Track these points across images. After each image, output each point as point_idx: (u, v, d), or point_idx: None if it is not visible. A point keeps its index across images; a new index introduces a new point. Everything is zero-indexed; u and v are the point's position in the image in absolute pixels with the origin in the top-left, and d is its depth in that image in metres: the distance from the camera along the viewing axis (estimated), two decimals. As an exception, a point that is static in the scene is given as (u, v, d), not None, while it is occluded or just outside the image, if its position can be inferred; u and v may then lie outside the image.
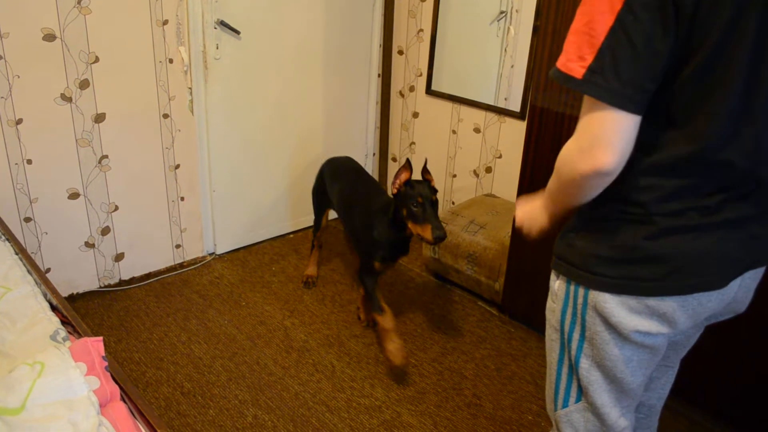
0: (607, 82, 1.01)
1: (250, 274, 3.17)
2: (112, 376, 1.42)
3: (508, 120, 3.16)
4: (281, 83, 3.25)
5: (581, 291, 1.25)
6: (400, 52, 3.63)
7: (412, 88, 3.63)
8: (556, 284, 1.33)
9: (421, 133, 3.67)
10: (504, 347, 2.68)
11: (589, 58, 1.02)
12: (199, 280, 3.09)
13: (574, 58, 1.04)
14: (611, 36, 0.99)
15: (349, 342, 2.66)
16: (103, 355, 1.41)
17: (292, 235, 3.61)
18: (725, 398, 2.17)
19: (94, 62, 2.56)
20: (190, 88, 2.89)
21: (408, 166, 2.32)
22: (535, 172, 2.50)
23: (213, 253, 3.32)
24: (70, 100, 2.55)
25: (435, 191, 2.31)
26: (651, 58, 1.00)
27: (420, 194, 2.24)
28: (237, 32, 2.94)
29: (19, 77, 2.39)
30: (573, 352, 1.32)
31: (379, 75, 3.71)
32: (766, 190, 1.15)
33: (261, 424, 2.19)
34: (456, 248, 2.95)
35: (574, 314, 1.28)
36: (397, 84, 3.72)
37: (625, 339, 1.22)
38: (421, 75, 3.54)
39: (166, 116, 2.86)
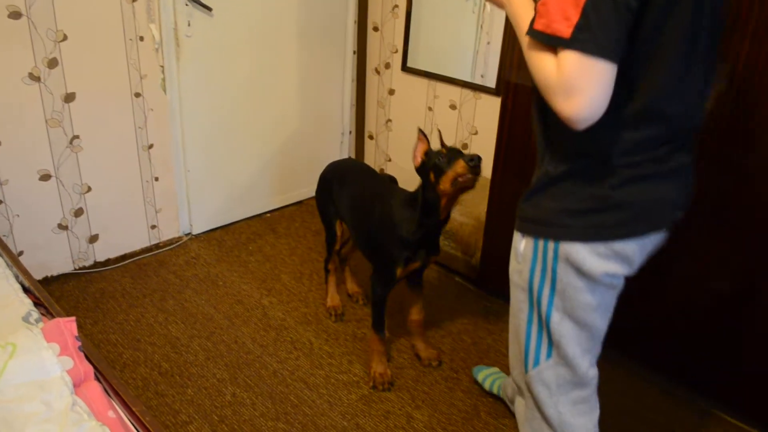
0: (595, 37, 1.10)
1: (227, 253, 3.16)
2: (86, 356, 1.42)
3: (484, 96, 3.16)
4: (255, 61, 3.22)
5: (551, 246, 1.36)
6: (375, 29, 3.60)
7: (387, 65, 3.61)
8: (522, 245, 1.42)
9: (397, 111, 3.66)
10: (480, 322, 2.71)
11: (575, 18, 1.11)
12: (175, 260, 3.07)
13: (559, 19, 1.12)
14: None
15: (327, 320, 2.67)
16: (76, 335, 1.40)
17: (268, 214, 3.59)
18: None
19: (62, 40, 2.51)
20: (161, 66, 2.85)
21: (423, 136, 2.14)
22: (510, 148, 2.51)
23: (189, 234, 3.30)
24: (38, 79, 2.50)
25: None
26: (627, 14, 1.12)
27: (443, 148, 2.07)
28: (209, 9, 2.89)
29: (-16, 56, 2.35)
30: (543, 308, 1.42)
31: (354, 52, 3.69)
32: (693, 141, 1.36)
33: (240, 401, 2.20)
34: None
35: (544, 270, 1.38)
36: (372, 61, 3.70)
37: (596, 283, 1.36)
38: (396, 52, 3.52)
39: (137, 95, 2.82)
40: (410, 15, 3.36)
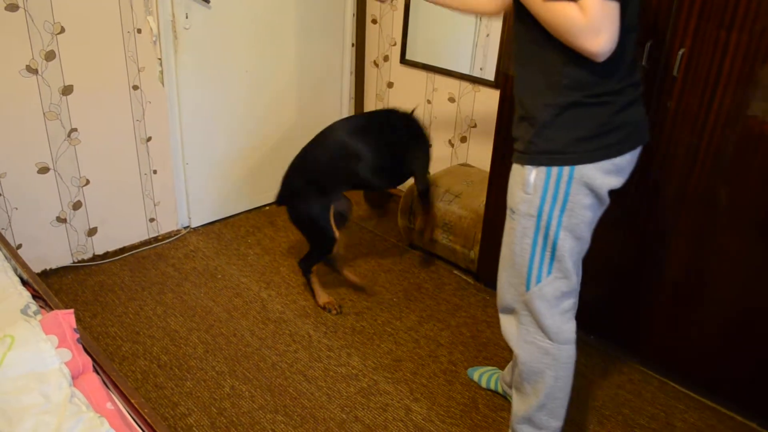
0: None
1: (226, 246, 3.16)
2: (84, 348, 1.42)
3: (483, 89, 3.15)
4: (253, 53, 3.21)
5: (566, 171, 1.55)
6: (374, 21, 3.59)
7: (386, 58, 3.60)
8: (533, 175, 1.59)
9: (396, 103, 3.65)
10: (479, 315, 2.71)
11: None
12: (174, 253, 3.07)
13: None
14: None
15: (325, 312, 2.67)
16: (75, 327, 1.40)
17: (267, 207, 3.59)
18: (692, 361, 2.22)
19: (59, 33, 2.51)
20: (159, 58, 2.85)
21: None
22: (509, 141, 2.50)
23: (188, 227, 3.30)
24: (36, 72, 2.50)
25: None
26: None
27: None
28: (207, 1, 2.88)
29: (-18, 49, 2.34)
30: (552, 229, 1.62)
31: (352, 44, 3.68)
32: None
33: (238, 394, 2.20)
34: (431, 217, 2.96)
35: (556, 194, 1.58)
36: (371, 53, 3.69)
37: (600, 199, 1.60)
38: (395, 44, 3.51)
39: (135, 88, 2.82)
40: (409, 7, 3.35)
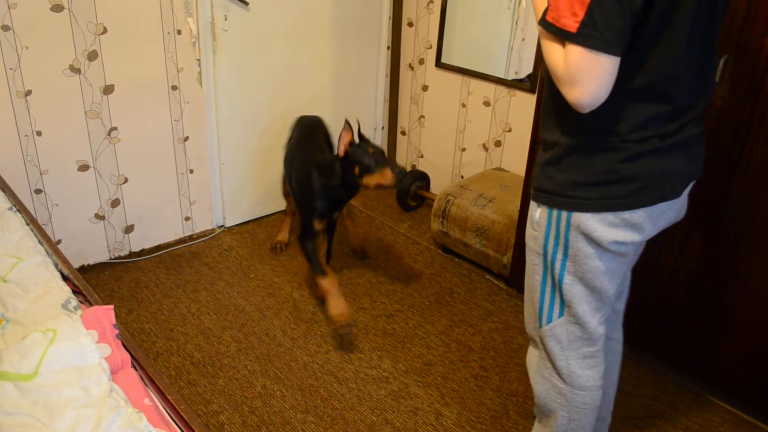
0: (599, 33, 1.19)
1: (259, 246, 3.19)
2: (122, 344, 1.44)
3: (519, 93, 3.13)
4: (289, 55, 3.24)
5: (564, 215, 1.45)
6: (410, 24, 3.60)
7: (421, 61, 3.60)
8: (538, 213, 1.52)
9: (430, 107, 3.65)
10: (511, 320, 2.69)
11: (581, 14, 1.20)
12: (208, 252, 3.11)
13: (568, 15, 1.21)
14: None
15: (357, 314, 2.68)
16: (114, 323, 1.43)
17: (300, 209, 3.61)
18: (728, 373, 2.18)
19: (102, 33, 2.56)
20: (198, 59, 2.88)
21: (349, 127, 2.38)
22: (544, 146, 2.48)
23: (222, 226, 3.33)
24: (78, 71, 2.55)
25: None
26: (631, 10, 1.20)
27: (369, 146, 2.33)
28: (245, 3, 2.92)
29: (27, 48, 2.39)
30: (557, 272, 1.52)
31: (388, 47, 3.68)
32: (701, 115, 1.45)
33: (270, 393, 2.22)
34: (464, 222, 2.95)
35: (557, 237, 1.48)
36: (406, 56, 3.69)
37: (605, 250, 1.45)
38: (431, 47, 3.51)
39: (174, 88, 2.86)
40: (445, 10, 3.34)
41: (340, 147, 2.38)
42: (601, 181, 1.39)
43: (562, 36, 1.24)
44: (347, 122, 2.37)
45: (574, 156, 1.42)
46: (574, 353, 1.60)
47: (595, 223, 1.42)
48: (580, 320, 1.55)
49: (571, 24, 1.21)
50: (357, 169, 2.33)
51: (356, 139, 2.42)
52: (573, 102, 1.27)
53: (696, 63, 1.35)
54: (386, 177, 2.28)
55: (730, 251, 2.04)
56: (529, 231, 1.58)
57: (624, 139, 1.36)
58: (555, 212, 1.47)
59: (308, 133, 2.84)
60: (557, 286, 1.54)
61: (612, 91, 1.26)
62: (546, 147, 1.50)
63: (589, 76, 1.23)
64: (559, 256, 1.51)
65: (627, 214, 1.41)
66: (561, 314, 1.58)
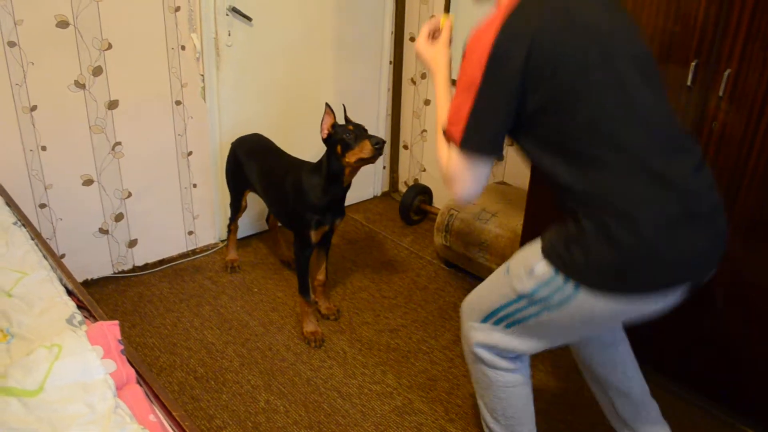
0: (474, 138, 1.41)
1: (262, 260, 3.19)
2: (127, 359, 1.44)
3: (521, 107, 3.14)
4: (293, 70, 3.25)
5: (571, 286, 1.40)
6: (412, 39, 3.61)
7: (423, 76, 3.61)
8: (540, 267, 1.45)
9: (433, 121, 3.66)
10: (515, 335, 2.68)
11: (462, 124, 1.41)
12: (211, 266, 3.11)
13: (454, 122, 1.43)
14: (473, 110, 1.38)
15: (361, 329, 2.67)
16: (119, 338, 1.42)
17: (303, 223, 3.61)
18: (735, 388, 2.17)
19: (107, 49, 2.57)
20: (202, 75, 2.90)
21: (330, 110, 2.38)
22: (547, 160, 2.48)
23: (225, 240, 3.33)
24: (83, 86, 2.56)
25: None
26: (503, 119, 1.39)
27: (350, 125, 2.35)
28: (249, 19, 2.94)
29: (33, 64, 2.41)
30: (519, 315, 1.53)
31: (390, 62, 3.70)
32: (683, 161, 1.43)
33: (273, 408, 2.21)
34: (467, 236, 2.95)
35: (546, 300, 1.45)
36: (408, 71, 3.71)
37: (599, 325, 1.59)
38: (433, 62, 3.52)
39: (178, 103, 2.87)
40: (448, 26, 3.35)
41: (323, 130, 2.38)
42: (623, 266, 1.36)
43: (452, 141, 1.44)
44: (327, 105, 2.38)
45: (594, 241, 1.36)
46: (500, 357, 1.67)
47: (603, 304, 1.40)
48: (515, 350, 1.61)
49: (455, 132, 1.42)
50: (339, 148, 2.33)
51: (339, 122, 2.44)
52: (452, 196, 1.48)
53: (638, 105, 1.36)
54: (365, 149, 2.27)
55: (734, 262, 2.04)
56: (518, 270, 1.52)
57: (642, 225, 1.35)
58: (562, 280, 1.41)
59: (274, 151, 2.86)
60: (516, 321, 1.56)
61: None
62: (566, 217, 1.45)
63: (463, 177, 1.45)
64: (538, 308, 1.48)
65: (636, 297, 1.41)
66: (499, 326, 1.61)
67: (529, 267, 1.49)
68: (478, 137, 1.41)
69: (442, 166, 1.50)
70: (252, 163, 2.81)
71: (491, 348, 1.66)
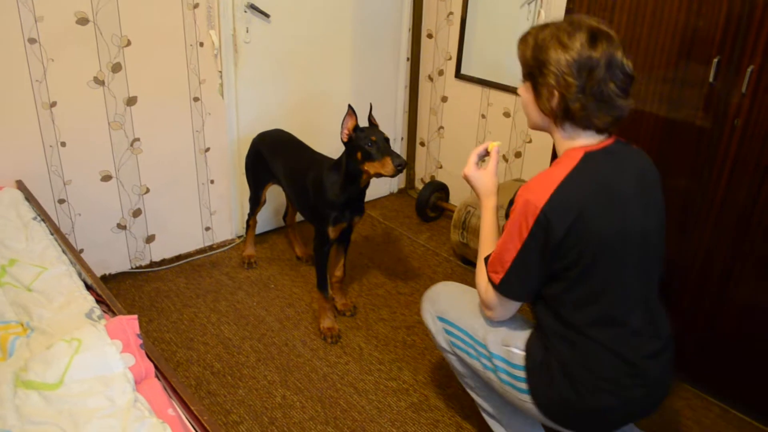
0: (511, 288, 1.59)
1: (279, 256, 3.19)
2: (146, 354, 1.44)
3: (539, 104, 3.12)
4: (310, 67, 3.25)
5: (525, 387, 1.65)
6: (430, 36, 3.60)
7: (441, 72, 3.60)
8: (516, 352, 1.66)
9: (450, 118, 3.65)
10: (532, 333, 2.66)
11: (502, 274, 1.57)
12: (228, 262, 3.12)
13: (496, 269, 1.58)
14: (514, 264, 1.53)
15: (377, 325, 2.67)
16: (138, 333, 1.43)
17: (319, 219, 3.62)
18: (756, 390, 2.14)
19: (126, 45, 2.58)
20: (220, 71, 2.91)
21: (352, 112, 2.35)
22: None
23: (242, 236, 3.34)
24: (102, 83, 2.58)
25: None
26: (539, 275, 1.54)
27: (372, 134, 2.30)
28: (267, 15, 2.94)
29: (53, 61, 2.42)
30: (470, 350, 1.77)
31: (408, 59, 3.69)
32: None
33: (289, 404, 2.22)
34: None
35: (498, 370, 1.70)
36: (426, 68, 3.70)
37: None
38: (450, 59, 3.51)
39: (196, 99, 2.88)
40: (465, 22, 3.34)
41: (343, 132, 2.36)
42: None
43: (491, 284, 1.61)
44: (350, 107, 2.35)
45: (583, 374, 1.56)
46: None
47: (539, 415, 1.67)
48: (443, 350, 1.89)
49: (496, 278, 1.59)
50: (359, 155, 2.31)
51: (362, 124, 2.39)
52: (488, 318, 1.72)
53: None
54: (386, 167, 2.25)
55: (754, 263, 2.02)
56: (497, 336, 1.71)
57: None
58: (524, 376, 1.64)
59: (297, 146, 2.85)
60: (463, 350, 1.80)
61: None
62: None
63: (498, 308, 1.66)
64: (489, 365, 1.73)
65: None
66: (452, 344, 1.83)
67: (507, 343, 1.68)
68: (515, 288, 1.58)
69: (480, 291, 1.68)
70: (276, 158, 2.80)
71: (427, 325, 1.92)
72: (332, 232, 2.49)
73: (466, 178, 1.81)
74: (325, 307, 2.60)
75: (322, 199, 2.47)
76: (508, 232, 1.53)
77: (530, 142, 3.21)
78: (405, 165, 2.24)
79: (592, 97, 1.45)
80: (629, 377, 1.54)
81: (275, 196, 3.37)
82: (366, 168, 2.31)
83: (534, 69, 1.52)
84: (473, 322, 1.76)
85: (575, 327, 1.54)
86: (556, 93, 1.48)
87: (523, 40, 1.58)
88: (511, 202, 1.57)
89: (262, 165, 2.87)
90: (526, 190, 1.49)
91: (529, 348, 1.63)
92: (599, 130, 1.54)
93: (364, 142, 2.28)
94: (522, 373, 1.63)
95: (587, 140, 1.54)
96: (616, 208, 1.49)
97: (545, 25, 1.53)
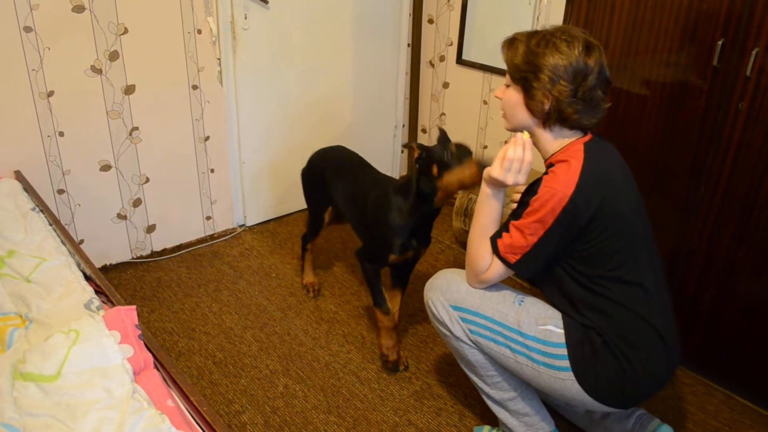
0: (527, 269, 1.66)
1: (280, 245, 3.18)
2: (145, 344, 1.43)
3: (541, 89, 3.09)
4: (310, 53, 3.22)
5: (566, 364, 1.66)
6: (431, 21, 3.57)
7: (442, 58, 3.57)
8: (554, 329, 1.68)
9: (451, 104, 3.62)
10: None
11: (519, 256, 1.63)
12: (229, 251, 3.11)
13: (510, 251, 1.65)
14: (535, 246, 1.60)
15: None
16: (136, 323, 1.42)
17: (321, 207, 3.60)
18: (759, 377, 2.12)
19: (123, 33, 2.56)
20: (218, 59, 2.88)
21: (415, 146, 2.13)
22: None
23: (243, 225, 3.33)
24: (100, 71, 2.56)
25: None
26: (551, 257, 1.64)
27: (451, 145, 2.02)
28: (265, 2, 2.91)
29: (49, 49, 2.40)
30: (496, 336, 1.75)
31: (408, 44, 3.66)
32: None
33: (292, 393, 2.21)
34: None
35: (533, 351, 1.69)
36: (427, 53, 3.67)
37: None
38: (451, 44, 3.48)
39: (195, 87, 2.86)
40: (466, 7, 3.31)
41: (413, 149, 2.12)
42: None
43: (504, 262, 1.67)
44: (410, 143, 2.17)
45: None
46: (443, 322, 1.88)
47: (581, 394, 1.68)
48: (454, 334, 1.83)
49: (511, 257, 1.65)
50: (435, 169, 2.02)
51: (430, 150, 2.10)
52: (471, 285, 1.79)
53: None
54: (470, 173, 1.92)
55: (758, 247, 2.00)
56: (529, 317, 1.71)
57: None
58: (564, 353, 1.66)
59: (350, 162, 2.61)
60: (486, 337, 1.76)
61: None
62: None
63: (494, 281, 1.75)
64: (521, 348, 1.71)
65: None
66: (470, 332, 1.79)
67: (543, 322, 1.69)
68: (528, 268, 1.65)
69: (480, 264, 1.72)
70: (336, 179, 2.53)
71: (437, 315, 1.87)
72: (393, 260, 2.24)
73: (499, 182, 1.67)
74: (387, 326, 2.29)
75: (385, 223, 2.20)
76: (533, 219, 1.58)
77: (532, 127, 3.18)
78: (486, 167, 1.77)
79: (583, 101, 1.57)
80: (655, 340, 1.62)
81: (281, 184, 3.35)
82: (444, 183, 2.00)
83: (528, 73, 1.60)
84: (501, 307, 1.75)
85: (602, 294, 1.62)
86: (550, 96, 1.58)
87: (511, 44, 1.66)
88: (530, 192, 1.62)
89: (321, 186, 2.60)
90: (554, 181, 1.57)
91: (567, 325, 1.67)
92: (584, 130, 1.67)
93: (442, 153, 2.00)
94: (562, 351, 1.64)
95: (575, 137, 1.66)
96: (619, 184, 1.62)
97: (534, 33, 1.62)
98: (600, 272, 1.61)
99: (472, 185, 1.96)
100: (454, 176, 1.98)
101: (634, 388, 1.64)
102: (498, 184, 1.69)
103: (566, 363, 1.64)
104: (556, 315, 1.70)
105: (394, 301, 2.40)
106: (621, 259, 1.61)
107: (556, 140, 1.67)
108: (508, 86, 1.69)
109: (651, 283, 1.64)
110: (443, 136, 2.11)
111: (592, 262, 1.62)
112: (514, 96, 1.67)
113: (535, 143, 1.70)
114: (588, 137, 1.66)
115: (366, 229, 2.36)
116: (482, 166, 1.84)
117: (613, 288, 1.62)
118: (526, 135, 1.65)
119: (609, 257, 1.60)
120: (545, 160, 1.71)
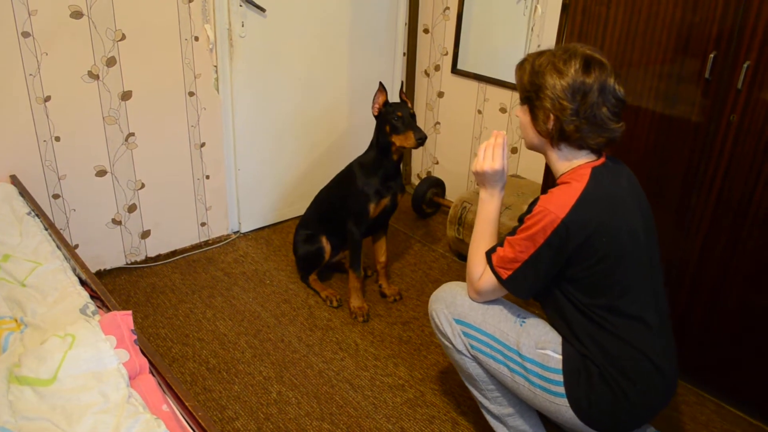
0: (518, 285, 1.66)
1: (275, 252, 3.19)
2: (140, 349, 1.44)
3: (535, 100, 3.11)
4: (306, 61, 3.24)
5: (561, 390, 1.66)
6: (426, 31, 3.59)
7: (437, 67, 3.59)
8: (552, 355, 1.67)
9: (446, 113, 3.64)
10: (528, 328, 2.66)
11: (510, 271, 1.65)
12: (224, 257, 3.11)
13: (501, 264, 1.67)
14: (525, 264, 1.61)
15: (373, 321, 2.67)
16: (132, 328, 1.43)
17: (315, 215, 3.61)
18: (751, 387, 2.14)
19: (120, 39, 2.57)
20: (215, 66, 2.89)
21: (383, 89, 2.57)
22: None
23: (238, 232, 3.34)
24: (97, 77, 2.56)
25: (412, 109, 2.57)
26: (545, 278, 1.64)
27: (399, 110, 2.50)
28: (262, 10, 2.93)
29: (47, 54, 2.41)
30: (496, 355, 1.75)
31: (404, 54, 3.68)
32: None
33: (285, 400, 2.21)
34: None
35: (531, 373, 1.70)
36: (422, 63, 3.69)
37: None
38: (446, 54, 3.50)
39: (191, 94, 2.87)
40: (461, 17, 3.34)
41: (374, 106, 2.56)
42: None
43: (496, 276, 1.68)
44: (381, 84, 2.57)
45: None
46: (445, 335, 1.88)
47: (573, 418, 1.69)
48: (456, 346, 1.83)
49: (504, 273, 1.66)
50: (387, 128, 2.51)
51: (392, 100, 2.60)
52: (470, 295, 1.81)
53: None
54: (409, 140, 2.46)
55: (750, 257, 2.02)
56: (529, 339, 1.71)
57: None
58: (561, 379, 1.65)
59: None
60: (486, 354, 1.77)
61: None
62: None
63: (489, 296, 1.77)
64: (519, 369, 1.71)
65: None
66: (471, 347, 1.80)
67: (542, 346, 1.69)
68: (520, 285, 1.65)
69: (474, 277, 1.76)
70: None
71: (440, 327, 1.87)
72: (373, 209, 2.60)
73: (479, 173, 1.78)
74: (357, 286, 2.70)
75: (356, 183, 2.61)
76: (524, 236, 1.60)
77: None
78: (425, 138, 2.44)
79: (586, 119, 1.56)
80: (652, 374, 1.61)
81: (279, 189, 3.36)
82: (392, 140, 2.50)
83: (531, 93, 1.63)
84: (502, 326, 1.75)
85: (600, 324, 1.61)
86: (551, 115, 1.59)
87: (521, 66, 1.69)
88: (528, 210, 1.63)
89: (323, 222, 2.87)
90: (548, 202, 1.57)
91: (566, 352, 1.66)
92: (593, 151, 1.65)
93: (392, 116, 2.49)
94: (559, 377, 1.64)
95: (585, 159, 1.65)
96: (623, 212, 1.60)
97: (542, 52, 1.64)
98: (599, 302, 1.60)
99: (412, 147, 2.50)
100: (398, 140, 2.50)
101: (629, 417, 1.64)
102: (483, 180, 1.78)
103: (561, 389, 1.64)
104: (556, 339, 1.70)
105: (380, 251, 2.84)
106: (621, 291, 1.59)
107: (565, 161, 1.66)
108: (521, 105, 1.72)
109: (653, 316, 1.63)
110: (401, 93, 2.65)
111: (590, 291, 1.61)
112: (522, 115, 1.70)
113: (547, 163, 1.72)
114: (600, 161, 1.65)
115: (344, 200, 2.69)
116: (418, 135, 2.43)
117: (612, 320, 1.60)
118: (501, 132, 1.76)
119: (608, 288, 1.59)
120: (556, 180, 1.71)
